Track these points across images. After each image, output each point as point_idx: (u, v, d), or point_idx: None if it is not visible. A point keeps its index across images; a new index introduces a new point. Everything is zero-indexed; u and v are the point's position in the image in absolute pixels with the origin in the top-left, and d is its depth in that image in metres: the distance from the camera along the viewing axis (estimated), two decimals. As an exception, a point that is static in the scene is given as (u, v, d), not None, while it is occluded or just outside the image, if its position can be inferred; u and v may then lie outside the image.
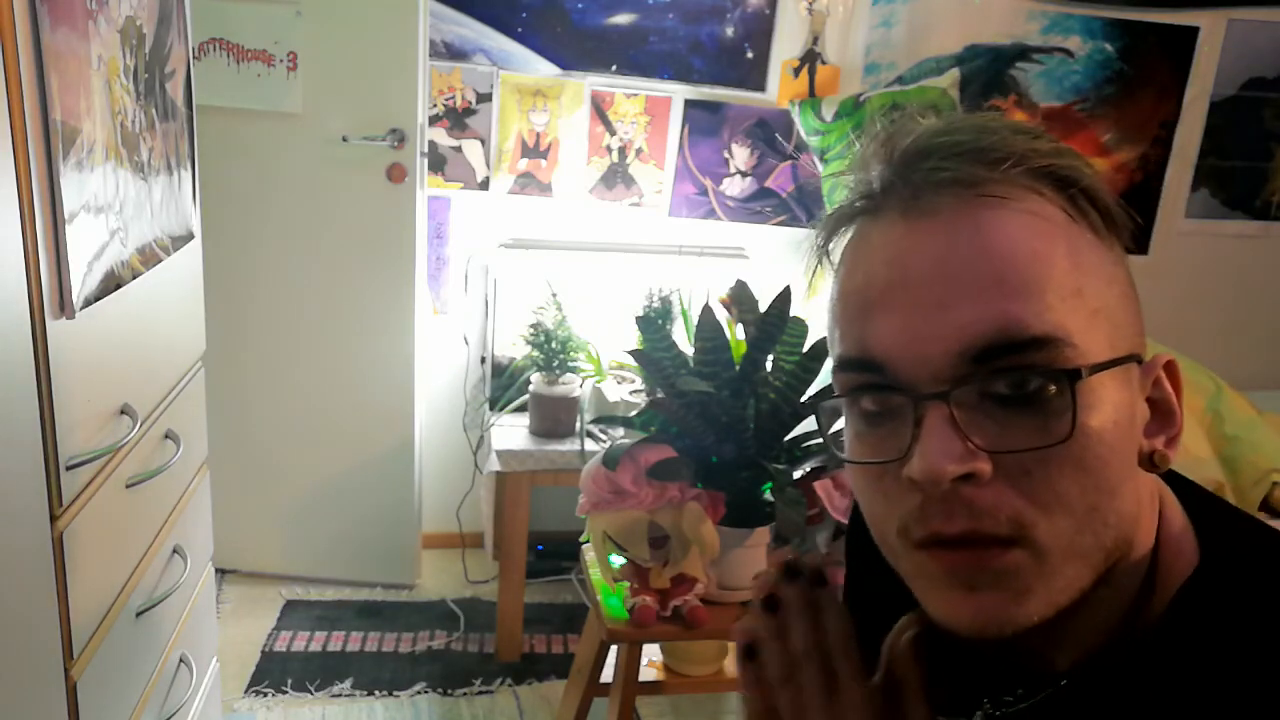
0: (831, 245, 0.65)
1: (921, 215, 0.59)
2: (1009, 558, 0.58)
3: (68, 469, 1.10)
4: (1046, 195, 0.60)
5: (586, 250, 2.90)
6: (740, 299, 1.77)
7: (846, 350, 0.62)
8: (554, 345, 2.63)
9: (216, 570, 2.08)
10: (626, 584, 1.67)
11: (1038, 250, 0.58)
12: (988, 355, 0.57)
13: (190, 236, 1.56)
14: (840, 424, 0.65)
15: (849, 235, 0.64)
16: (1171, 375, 0.67)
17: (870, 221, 0.62)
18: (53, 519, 1.07)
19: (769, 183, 3.01)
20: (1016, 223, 0.58)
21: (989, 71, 3.06)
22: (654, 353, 1.66)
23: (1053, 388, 0.57)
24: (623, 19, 2.84)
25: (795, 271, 2.91)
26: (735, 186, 2.99)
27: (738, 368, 1.65)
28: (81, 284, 1.10)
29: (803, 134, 2.93)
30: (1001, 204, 0.59)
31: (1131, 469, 0.61)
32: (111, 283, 1.19)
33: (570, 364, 2.69)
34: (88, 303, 1.12)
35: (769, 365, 1.68)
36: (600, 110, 2.87)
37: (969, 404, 0.58)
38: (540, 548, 2.91)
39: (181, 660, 1.54)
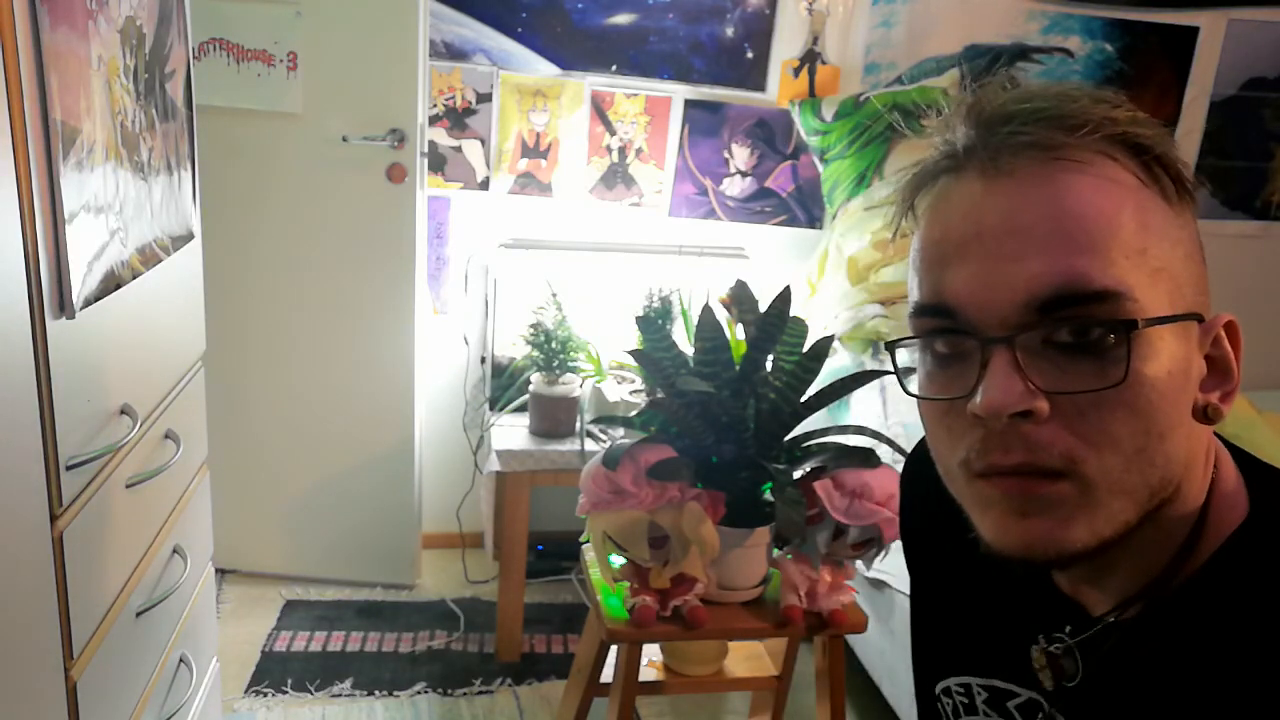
0: (916, 201, 0.70)
1: (999, 175, 0.64)
2: (1058, 488, 0.63)
3: (68, 469, 1.10)
4: (1120, 160, 0.64)
5: (586, 250, 2.90)
6: (740, 299, 1.77)
7: (924, 297, 0.67)
8: (554, 345, 2.63)
9: (216, 570, 2.08)
10: (626, 584, 1.67)
11: (1106, 211, 0.62)
12: (1053, 305, 0.62)
13: (190, 236, 1.56)
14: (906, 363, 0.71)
15: (932, 192, 0.68)
16: (1232, 335, 0.72)
17: (952, 180, 0.67)
18: (53, 519, 1.07)
19: (769, 183, 3.01)
20: (1088, 185, 0.63)
21: (989, 72, 3.06)
22: (654, 353, 1.66)
23: (1111, 337, 0.62)
24: (623, 19, 2.84)
25: (795, 271, 2.91)
26: (735, 186, 2.99)
27: (738, 368, 1.65)
28: (81, 284, 1.10)
29: (803, 134, 2.93)
30: (1076, 167, 0.63)
31: (1184, 418, 0.65)
32: (111, 283, 1.19)
33: (570, 364, 2.69)
34: (88, 303, 1.12)
35: (769, 365, 1.68)
36: (600, 110, 2.87)
37: (1032, 349, 0.63)
38: (540, 548, 2.92)
39: (181, 660, 1.54)
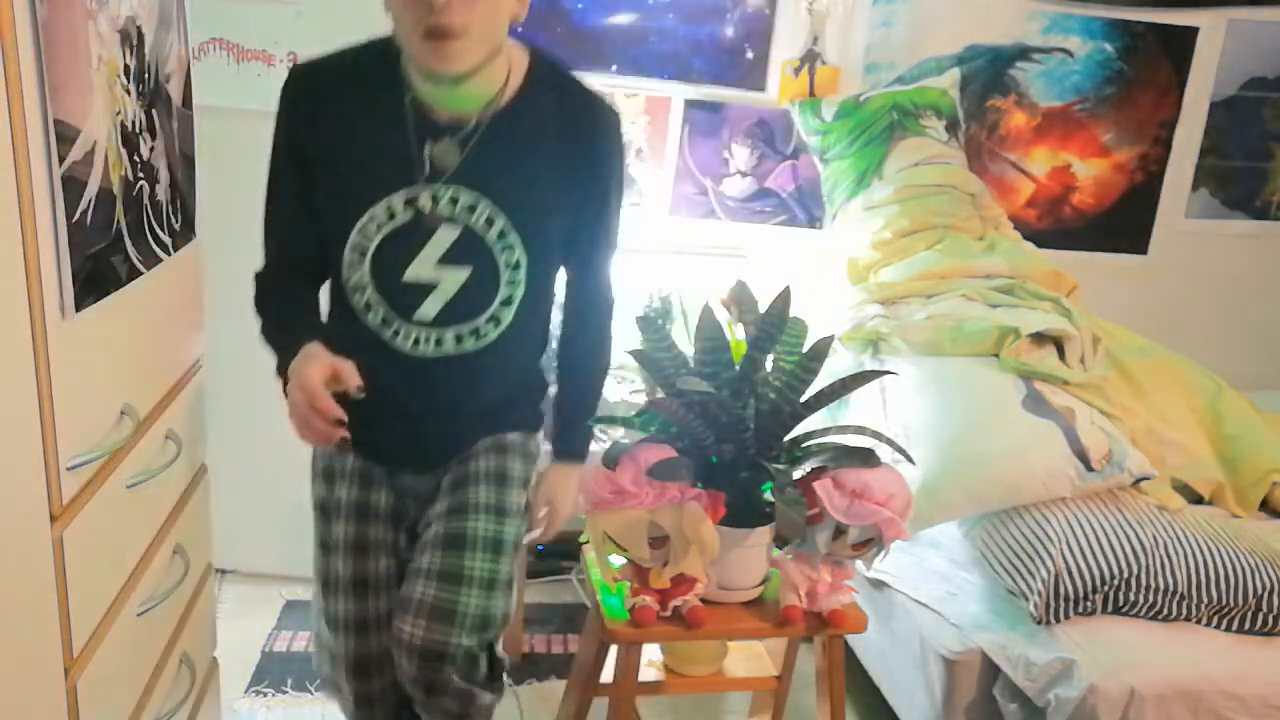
0: None
1: None
2: (458, 40, 1.29)
3: (68, 469, 1.10)
4: None
5: (586, 250, 2.90)
6: (740, 299, 1.77)
7: None
8: (554, 345, 2.62)
9: (216, 570, 2.08)
10: (626, 584, 1.67)
11: None
12: None
13: (190, 236, 1.56)
14: None
15: None
16: None
17: None
18: (53, 519, 1.07)
19: (769, 183, 3.01)
20: None
21: (989, 71, 3.06)
22: (654, 353, 1.66)
23: None
24: (623, 19, 2.84)
25: (795, 271, 2.91)
26: (735, 186, 2.99)
27: (738, 368, 1.65)
28: (81, 284, 1.10)
29: (803, 134, 2.93)
30: None
31: (509, 10, 1.34)
32: (111, 283, 1.19)
33: (570, 364, 2.68)
34: (88, 303, 1.12)
35: (769, 365, 1.68)
36: (600, 110, 2.87)
37: None
38: (540, 548, 2.91)
39: (181, 660, 1.54)
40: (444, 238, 1.42)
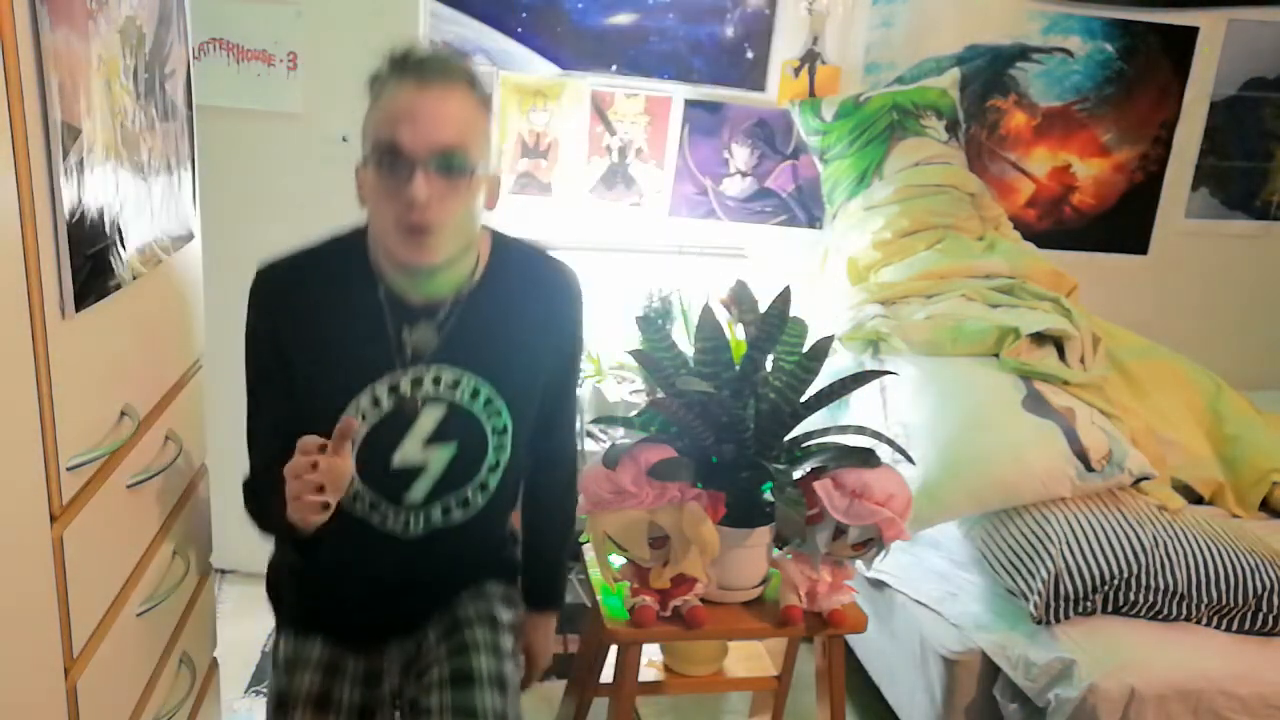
0: (376, 89, 1.40)
1: (425, 85, 1.33)
2: (431, 235, 1.33)
3: (68, 470, 1.10)
4: (471, 88, 1.35)
5: (586, 250, 2.90)
6: (740, 299, 1.77)
7: (383, 139, 1.34)
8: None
9: (216, 570, 2.07)
10: (626, 584, 1.67)
11: (466, 115, 1.34)
12: (445, 152, 1.31)
13: (190, 236, 1.57)
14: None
15: (386, 86, 1.37)
16: (492, 184, 1.42)
17: (396, 81, 1.36)
18: (53, 520, 1.07)
19: (769, 183, 3.01)
20: (459, 99, 1.34)
21: (989, 71, 3.06)
22: (654, 353, 1.66)
23: (464, 172, 1.32)
24: (623, 19, 2.84)
25: (795, 271, 2.91)
26: (735, 186, 2.99)
27: (738, 368, 1.65)
28: (82, 284, 1.10)
29: (803, 134, 2.93)
30: (456, 88, 1.34)
31: (479, 211, 1.39)
32: (111, 283, 1.19)
33: (570, 364, 2.68)
34: (88, 303, 1.12)
35: (769, 365, 1.68)
36: (600, 110, 2.87)
37: (431, 170, 1.31)
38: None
39: (181, 660, 1.54)
40: (430, 418, 1.43)
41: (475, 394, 1.44)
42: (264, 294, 1.43)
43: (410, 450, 1.44)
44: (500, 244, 1.48)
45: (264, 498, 1.37)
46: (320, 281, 1.42)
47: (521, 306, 1.47)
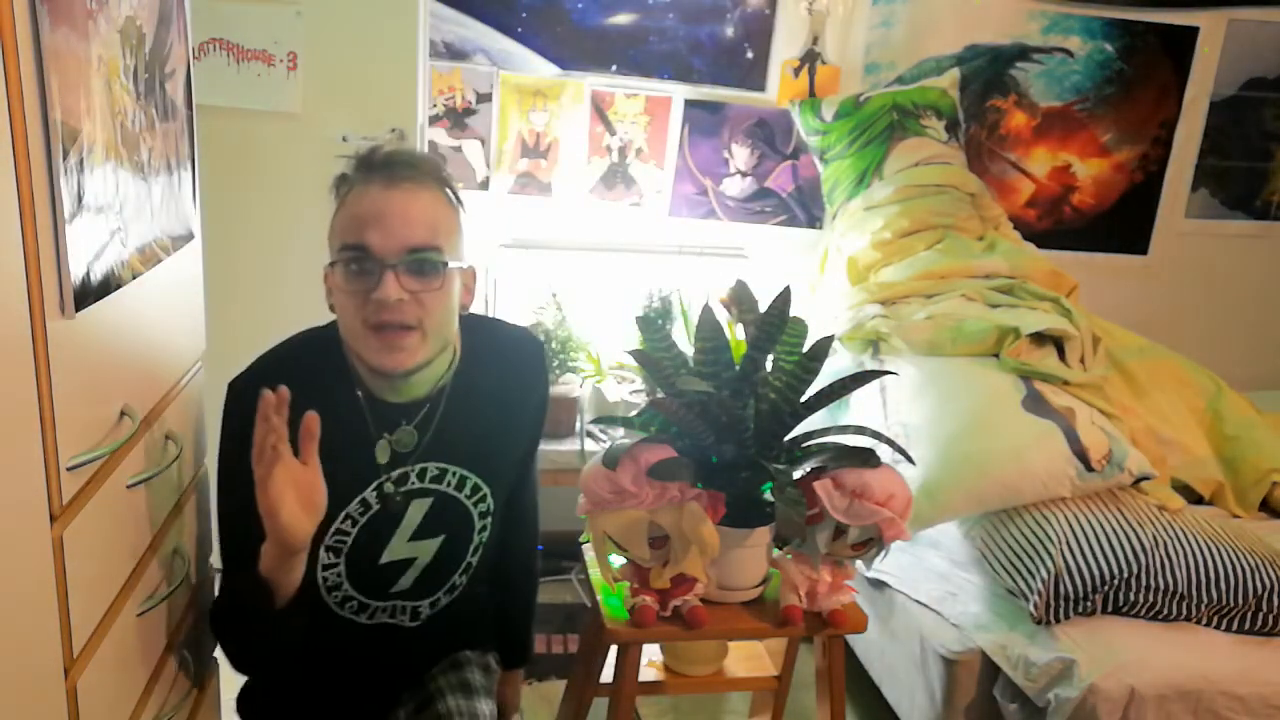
0: (342, 190, 1.37)
1: (393, 184, 1.32)
2: (410, 335, 1.32)
3: (68, 470, 1.10)
4: (442, 187, 1.36)
5: (586, 250, 2.91)
6: (740, 299, 1.77)
7: (350, 240, 1.31)
8: (554, 345, 2.63)
9: (216, 570, 2.07)
10: (626, 584, 1.67)
11: (439, 212, 1.34)
12: (416, 251, 1.29)
13: (190, 236, 1.56)
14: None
15: (354, 187, 1.35)
16: (468, 278, 1.42)
17: (364, 182, 1.34)
18: (53, 519, 1.07)
19: (769, 183, 3.01)
20: (429, 198, 1.34)
21: (989, 71, 3.06)
22: (654, 353, 1.66)
23: (437, 267, 1.31)
24: (623, 19, 2.84)
25: (795, 271, 2.91)
26: (735, 186, 2.99)
27: (738, 368, 1.65)
28: (81, 284, 1.10)
29: (803, 134, 2.93)
30: (426, 186, 1.34)
31: (457, 308, 1.38)
32: (111, 283, 1.19)
33: (570, 364, 2.69)
34: (88, 303, 1.12)
35: (769, 365, 1.68)
36: (600, 110, 2.87)
37: (402, 269, 1.30)
38: (540, 548, 2.91)
39: (181, 660, 1.54)
40: (417, 512, 1.43)
41: (462, 483, 1.45)
42: (241, 407, 1.31)
43: (398, 546, 1.44)
44: (466, 329, 1.44)
45: (246, 604, 1.32)
46: (298, 390, 1.24)
47: (498, 388, 1.47)
